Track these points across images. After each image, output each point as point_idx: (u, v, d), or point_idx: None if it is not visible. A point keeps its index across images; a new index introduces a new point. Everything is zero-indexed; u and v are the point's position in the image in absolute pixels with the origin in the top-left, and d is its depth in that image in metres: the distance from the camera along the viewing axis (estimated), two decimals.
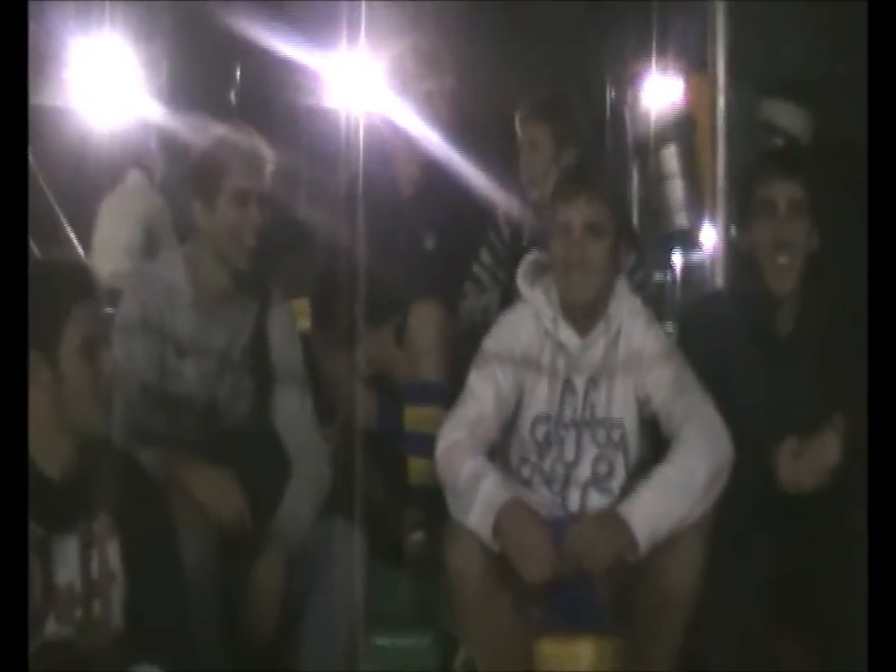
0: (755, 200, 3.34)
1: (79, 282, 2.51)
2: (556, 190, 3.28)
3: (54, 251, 3.67)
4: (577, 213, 3.17)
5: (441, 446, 3.08)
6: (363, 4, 4.12)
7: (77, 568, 2.45)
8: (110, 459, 2.54)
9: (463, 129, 4.09)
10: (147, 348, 3.20)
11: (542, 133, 4.26)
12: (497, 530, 2.86)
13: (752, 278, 3.36)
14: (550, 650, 3.00)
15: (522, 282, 3.30)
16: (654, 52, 6.09)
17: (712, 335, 3.33)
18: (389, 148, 4.15)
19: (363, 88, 4.53)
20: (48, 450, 2.44)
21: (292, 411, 3.28)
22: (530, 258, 3.35)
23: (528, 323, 3.26)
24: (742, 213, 3.42)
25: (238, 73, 6.97)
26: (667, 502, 2.92)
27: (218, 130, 3.31)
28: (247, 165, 3.23)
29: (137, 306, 3.23)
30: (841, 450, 3.08)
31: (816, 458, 3.08)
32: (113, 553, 2.49)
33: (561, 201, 3.22)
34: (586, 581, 2.97)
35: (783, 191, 3.31)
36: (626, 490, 3.09)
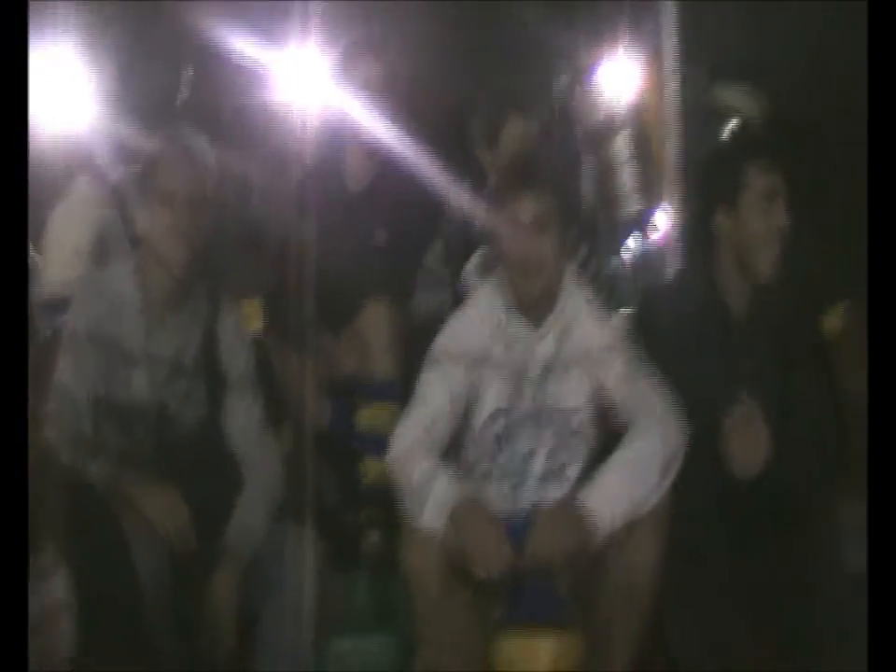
0: (752, 187, 3.30)
1: None
2: (502, 185, 3.27)
3: None
4: (523, 208, 3.16)
5: (395, 447, 3.07)
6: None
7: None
8: (56, 484, 2.49)
9: (413, 123, 4.06)
10: (95, 358, 3.17)
11: (513, 126, 4.23)
12: (450, 528, 2.86)
13: (724, 263, 3.35)
14: (510, 648, 2.99)
15: (471, 278, 3.30)
16: (606, 37, 6.09)
17: (668, 320, 3.33)
18: (338, 144, 4.12)
19: (314, 85, 4.51)
20: None
21: (243, 417, 3.26)
22: (479, 253, 3.34)
23: (479, 319, 3.25)
24: (728, 199, 3.34)
25: (188, 74, 6.93)
26: (624, 486, 2.94)
27: (161, 133, 3.28)
28: (177, 167, 3.19)
29: (85, 316, 3.20)
30: (767, 432, 3.10)
31: (756, 440, 3.09)
32: (61, 584, 2.45)
33: (507, 195, 3.21)
34: (545, 576, 2.96)
35: (781, 182, 3.30)
36: (583, 480, 3.08)
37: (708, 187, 3.47)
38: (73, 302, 3.25)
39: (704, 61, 5.59)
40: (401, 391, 3.49)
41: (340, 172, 4.13)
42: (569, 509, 2.94)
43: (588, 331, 3.24)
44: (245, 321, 3.57)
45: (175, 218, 3.16)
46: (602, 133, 6.02)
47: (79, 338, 3.16)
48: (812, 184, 3.81)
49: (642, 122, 5.82)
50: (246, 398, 3.28)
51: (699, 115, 5.25)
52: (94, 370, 3.16)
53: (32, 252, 5.57)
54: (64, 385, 3.11)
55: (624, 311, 3.85)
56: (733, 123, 5.74)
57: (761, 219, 3.29)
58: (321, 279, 3.69)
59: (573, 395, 3.20)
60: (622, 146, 5.93)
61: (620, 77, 6.01)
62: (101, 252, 5.37)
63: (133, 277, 3.24)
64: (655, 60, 4.56)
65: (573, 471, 3.18)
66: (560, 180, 3.46)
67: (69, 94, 6.41)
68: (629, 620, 2.96)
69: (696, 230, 3.59)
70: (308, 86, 4.70)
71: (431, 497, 2.90)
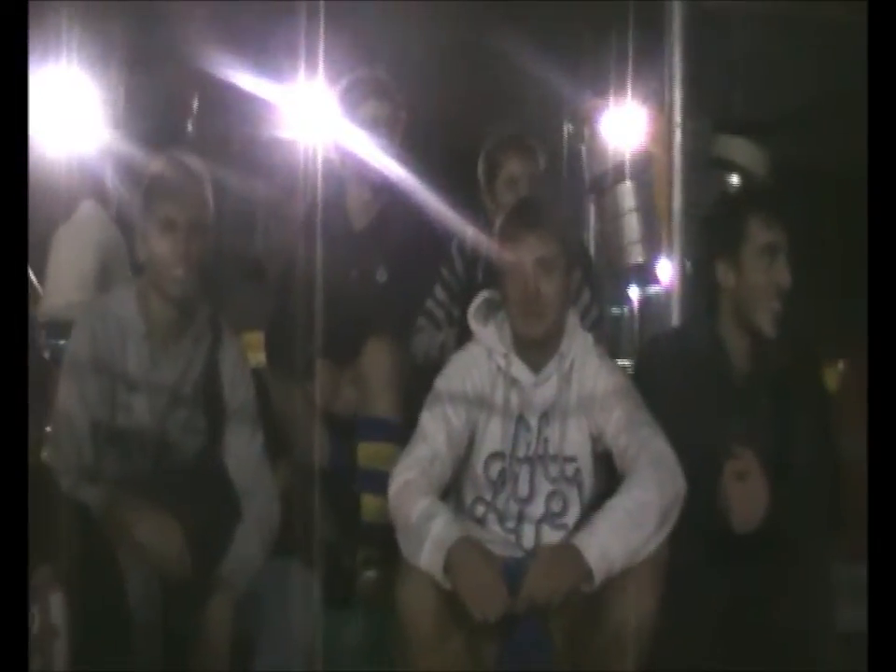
0: (753, 241, 3.31)
1: None
2: (506, 227, 3.27)
3: None
4: (527, 249, 3.17)
5: (394, 487, 3.06)
6: (321, 35, 4.12)
7: None
8: (53, 506, 2.48)
9: (418, 162, 4.08)
10: (97, 384, 3.16)
11: (524, 168, 4.24)
12: (447, 569, 2.84)
13: (725, 316, 3.36)
14: None
15: (474, 319, 3.30)
16: (612, 88, 6.13)
17: (669, 370, 3.34)
18: (343, 180, 4.14)
19: (321, 119, 4.53)
20: None
21: (242, 448, 3.25)
22: (482, 295, 3.34)
23: (481, 361, 3.26)
24: (729, 252, 3.35)
25: (196, 104, 6.96)
26: (621, 533, 2.90)
27: (160, 159, 3.28)
28: (176, 194, 3.18)
29: (87, 341, 3.18)
30: (767, 487, 3.10)
31: (754, 494, 3.09)
32: (56, 606, 2.44)
33: (511, 237, 3.21)
34: (540, 618, 2.95)
35: (783, 237, 3.31)
36: (581, 526, 3.06)
37: (710, 238, 3.49)
38: (75, 326, 3.24)
39: (708, 113, 5.64)
40: (401, 429, 3.49)
41: (343, 208, 4.15)
42: (566, 550, 2.92)
43: (589, 378, 3.23)
44: (247, 352, 3.56)
45: (175, 245, 3.14)
46: (607, 181, 6.06)
47: (81, 362, 3.15)
48: (813, 239, 3.82)
49: (647, 172, 5.87)
50: (246, 429, 3.27)
51: (702, 167, 5.29)
52: (96, 394, 3.15)
53: (32, 275, 5.61)
54: (65, 409, 3.10)
55: (625, 359, 3.87)
56: (735, 176, 5.79)
57: (762, 274, 3.30)
58: (324, 314, 3.69)
59: (572, 441, 3.19)
60: (626, 194, 5.98)
61: (625, 127, 6.06)
62: (104, 277, 5.38)
63: (136, 303, 3.23)
64: (660, 111, 4.58)
65: (571, 517, 3.17)
66: (565, 224, 3.45)
67: (77, 119, 6.44)
68: (622, 667, 2.93)
69: (698, 281, 3.60)
70: (314, 122, 4.72)
71: (429, 537, 2.88)
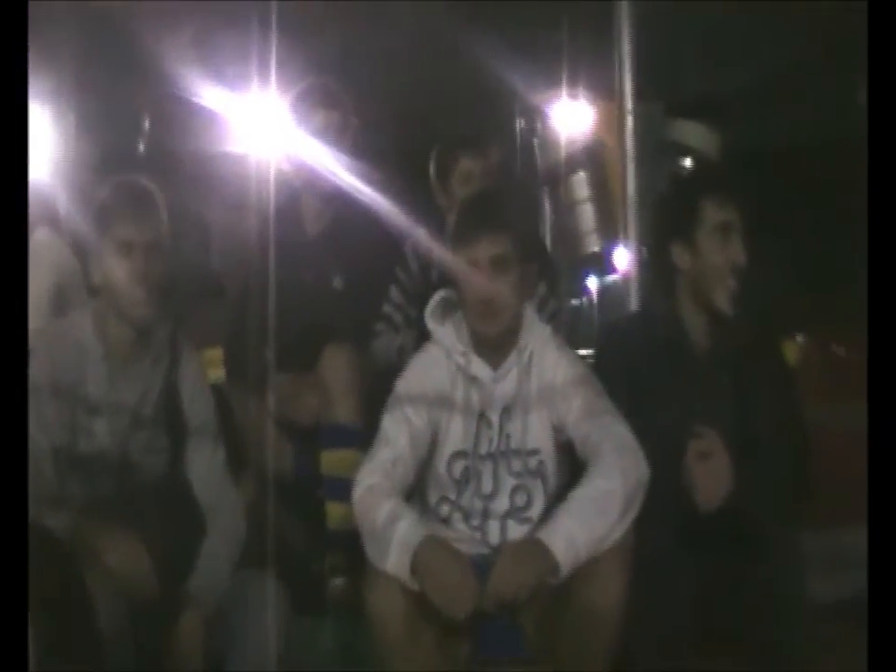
0: (707, 221, 3.33)
1: None
2: (459, 226, 3.26)
3: None
4: (480, 247, 3.17)
5: (358, 492, 3.06)
6: (273, 47, 4.12)
7: None
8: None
9: (370, 165, 4.08)
10: (56, 409, 3.15)
11: (477, 164, 4.25)
12: (415, 570, 2.84)
13: (684, 297, 3.37)
14: None
15: (431, 320, 3.30)
16: (563, 79, 6.14)
17: (629, 356, 3.34)
18: (295, 189, 4.14)
19: (271, 131, 4.53)
20: None
21: (204, 464, 3.25)
22: (438, 295, 3.34)
23: (440, 361, 3.26)
24: (683, 233, 3.37)
25: (147, 123, 6.93)
26: (586, 523, 2.91)
27: (110, 182, 3.27)
28: (131, 216, 3.17)
29: (46, 367, 3.17)
30: (730, 465, 3.11)
31: (718, 472, 3.10)
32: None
33: (464, 237, 3.21)
34: (510, 611, 2.95)
35: (736, 215, 3.33)
36: (546, 519, 3.06)
37: (665, 222, 3.50)
38: (33, 353, 3.22)
39: (659, 97, 5.65)
40: (363, 434, 3.49)
41: (297, 216, 4.14)
42: (531, 545, 2.92)
43: (548, 370, 3.24)
44: (206, 369, 3.55)
45: (132, 266, 3.14)
46: (560, 172, 6.07)
47: (40, 388, 3.14)
48: (766, 215, 3.83)
49: (600, 161, 5.88)
50: (208, 445, 3.27)
51: (655, 151, 5.29)
52: (56, 420, 3.14)
53: None
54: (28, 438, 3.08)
55: (585, 349, 3.87)
56: (688, 159, 5.81)
57: (716, 254, 3.31)
58: (281, 324, 3.69)
59: (534, 435, 3.20)
60: (580, 184, 5.98)
61: (576, 116, 6.06)
62: (59, 302, 5.34)
63: (93, 325, 3.22)
64: (610, 98, 4.59)
65: (536, 510, 3.17)
66: (518, 220, 3.44)
67: (27, 145, 6.41)
68: (593, 655, 2.93)
69: (655, 265, 3.61)
70: (265, 132, 4.72)
71: (394, 539, 2.88)
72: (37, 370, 3.15)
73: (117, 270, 3.15)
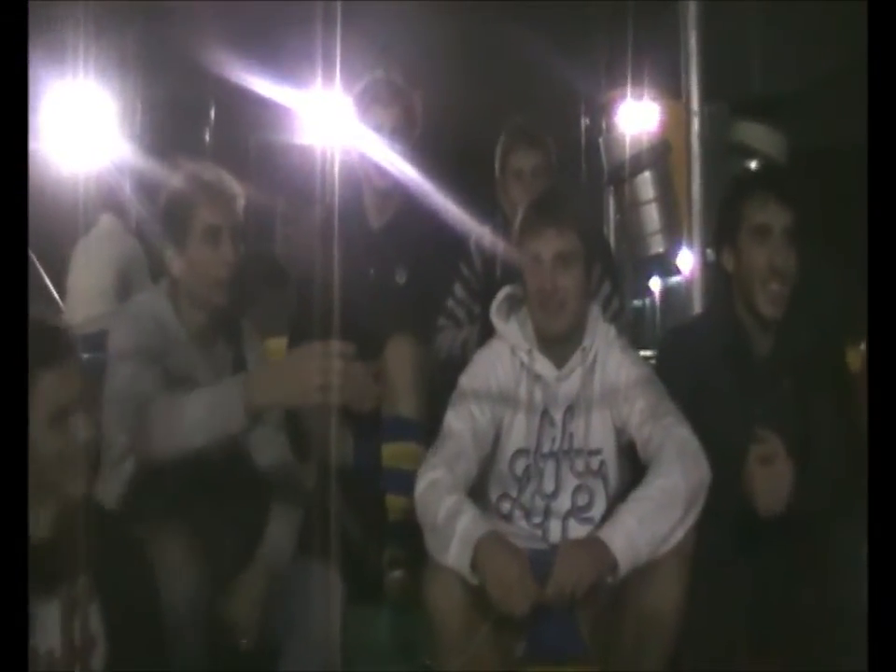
0: (747, 223, 3.30)
1: (50, 345, 2.34)
2: (525, 222, 3.26)
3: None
4: (547, 244, 3.17)
5: (420, 486, 3.04)
6: (338, 39, 4.12)
7: (59, 634, 2.37)
8: (90, 521, 2.45)
9: (435, 160, 4.08)
10: (148, 372, 3.02)
11: (529, 161, 4.24)
12: (474, 564, 2.84)
13: (737, 301, 3.36)
14: None
15: (496, 316, 3.30)
16: (629, 79, 6.12)
17: (691, 359, 3.33)
18: (359, 181, 4.14)
19: (336, 124, 4.54)
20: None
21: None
22: (503, 291, 3.34)
23: (504, 357, 3.26)
24: (729, 236, 3.36)
25: (213, 112, 6.98)
26: (647, 523, 2.89)
27: (186, 169, 3.26)
28: (216, 201, 3.15)
29: (131, 337, 3.08)
30: (793, 471, 3.09)
31: (779, 478, 3.09)
32: (94, 616, 2.42)
33: (530, 232, 3.21)
34: (567, 610, 2.95)
35: (778, 217, 3.28)
36: (607, 519, 3.05)
37: (716, 224, 3.49)
38: (113, 328, 3.14)
39: (725, 98, 5.62)
40: (424, 428, 3.49)
41: (361, 209, 4.15)
42: (591, 542, 2.91)
43: (612, 370, 3.24)
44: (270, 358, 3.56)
45: (219, 251, 3.13)
46: (626, 172, 6.04)
47: (128, 355, 3.03)
48: (832, 219, 3.80)
49: (665, 162, 5.85)
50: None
51: (721, 153, 5.26)
52: (150, 382, 3.01)
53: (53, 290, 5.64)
54: (119, 400, 2.97)
55: (648, 350, 3.86)
56: (753, 161, 5.77)
57: (756, 256, 3.29)
58: (344, 316, 3.69)
59: (597, 435, 3.20)
60: (645, 184, 5.96)
61: (642, 116, 6.04)
62: (124, 289, 5.39)
63: (171, 308, 3.19)
64: (676, 97, 4.57)
65: (597, 511, 3.18)
66: (583, 217, 3.44)
67: (93, 133, 6.46)
68: (650, 656, 2.93)
69: (714, 269, 3.59)
70: (330, 125, 4.73)
71: (456, 534, 2.87)
72: (121, 340, 3.08)
73: (203, 255, 3.13)
